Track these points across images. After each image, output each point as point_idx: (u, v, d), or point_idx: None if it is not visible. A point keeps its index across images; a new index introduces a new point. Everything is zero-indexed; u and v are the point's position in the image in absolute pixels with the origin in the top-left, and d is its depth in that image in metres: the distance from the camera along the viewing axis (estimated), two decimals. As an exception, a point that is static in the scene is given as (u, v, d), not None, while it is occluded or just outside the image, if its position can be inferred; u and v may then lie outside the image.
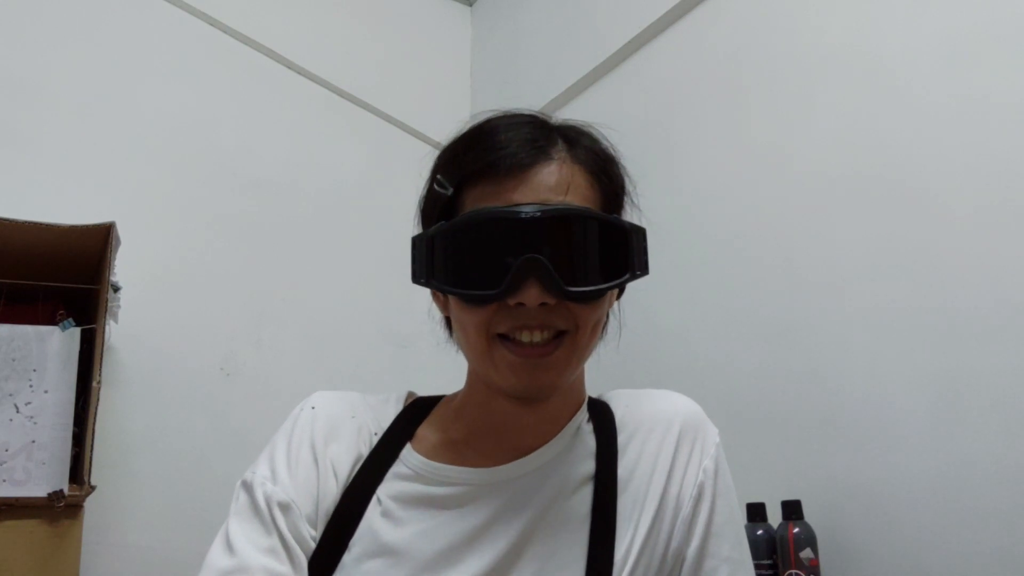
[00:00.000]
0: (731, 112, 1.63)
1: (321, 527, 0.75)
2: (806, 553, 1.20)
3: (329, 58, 2.21)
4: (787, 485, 1.34)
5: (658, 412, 0.82)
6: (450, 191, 0.75)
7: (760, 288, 1.49)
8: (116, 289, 1.51)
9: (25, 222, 1.40)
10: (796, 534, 1.22)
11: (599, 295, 0.73)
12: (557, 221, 0.71)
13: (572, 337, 0.73)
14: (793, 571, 1.20)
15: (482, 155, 0.74)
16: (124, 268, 1.53)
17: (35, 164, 1.75)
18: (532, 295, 0.69)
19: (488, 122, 0.78)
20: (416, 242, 0.75)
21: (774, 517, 1.28)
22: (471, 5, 2.53)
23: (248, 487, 0.76)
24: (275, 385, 1.90)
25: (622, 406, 0.84)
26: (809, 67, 1.48)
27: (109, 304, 1.47)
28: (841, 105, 1.41)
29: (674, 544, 0.77)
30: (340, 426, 0.80)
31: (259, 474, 0.76)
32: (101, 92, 1.86)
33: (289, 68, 2.14)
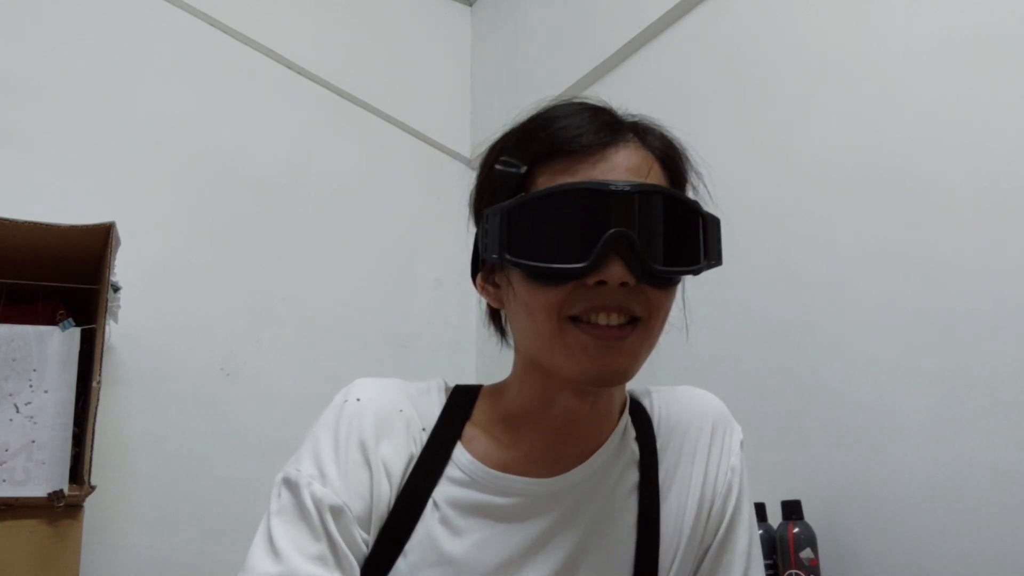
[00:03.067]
0: (731, 112, 1.63)
1: (375, 531, 0.72)
2: (806, 553, 1.20)
3: (329, 58, 2.21)
4: (787, 485, 1.34)
5: (692, 414, 0.83)
6: (523, 169, 0.71)
7: (760, 288, 1.49)
8: (116, 289, 1.51)
9: (25, 222, 1.40)
10: (796, 534, 1.22)
11: (679, 278, 0.72)
12: (648, 197, 0.68)
13: (646, 323, 0.70)
14: (793, 571, 1.20)
15: (557, 133, 0.71)
16: (124, 268, 1.53)
17: (35, 164, 1.75)
18: (616, 273, 0.66)
19: (556, 107, 0.76)
20: (489, 216, 0.70)
21: (774, 517, 1.28)
22: (471, 5, 2.53)
23: (292, 486, 0.71)
24: (275, 385, 1.90)
25: (656, 407, 0.84)
26: (809, 67, 1.48)
27: (109, 304, 1.47)
28: (841, 105, 1.41)
29: (706, 540, 0.79)
30: (389, 421, 0.75)
31: (305, 472, 0.71)
32: (101, 92, 1.86)
33: (289, 68, 2.14)
